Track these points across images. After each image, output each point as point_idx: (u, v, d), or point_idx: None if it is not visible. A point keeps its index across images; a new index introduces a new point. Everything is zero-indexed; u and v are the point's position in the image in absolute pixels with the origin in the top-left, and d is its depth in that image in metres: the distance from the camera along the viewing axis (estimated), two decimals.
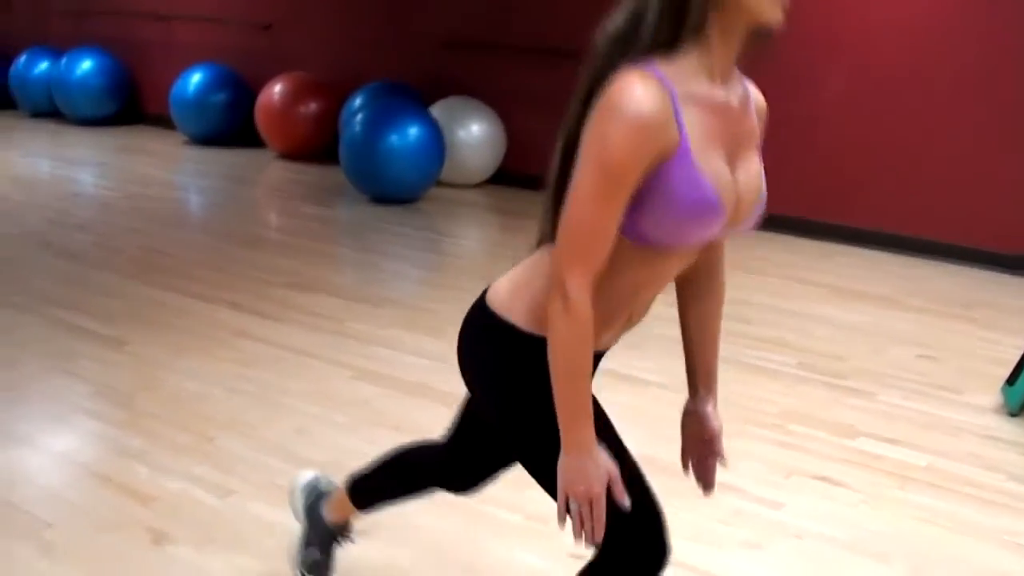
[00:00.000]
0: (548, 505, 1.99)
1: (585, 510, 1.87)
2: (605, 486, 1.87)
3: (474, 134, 7.95)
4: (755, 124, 1.98)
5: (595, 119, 1.74)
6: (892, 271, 6.36)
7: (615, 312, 1.97)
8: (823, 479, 3.59)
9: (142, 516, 3.22)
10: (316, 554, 2.75)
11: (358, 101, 8.36)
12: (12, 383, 4.18)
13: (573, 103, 1.84)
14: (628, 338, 4.88)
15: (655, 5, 1.76)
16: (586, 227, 1.77)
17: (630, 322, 2.07)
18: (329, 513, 2.73)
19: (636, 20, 1.79)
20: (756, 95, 2.02)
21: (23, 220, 6.68)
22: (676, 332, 4.89)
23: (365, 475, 2.64)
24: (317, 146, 8.97)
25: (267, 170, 8.72)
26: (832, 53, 6.79)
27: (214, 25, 9.83)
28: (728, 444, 3.76)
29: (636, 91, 1.71)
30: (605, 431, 1.99)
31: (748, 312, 5.28)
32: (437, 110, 7.97)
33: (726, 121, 1.85)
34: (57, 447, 3.66)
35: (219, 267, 5.80)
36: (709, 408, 2.27)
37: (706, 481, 2.31)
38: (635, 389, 4.30)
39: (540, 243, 1.98)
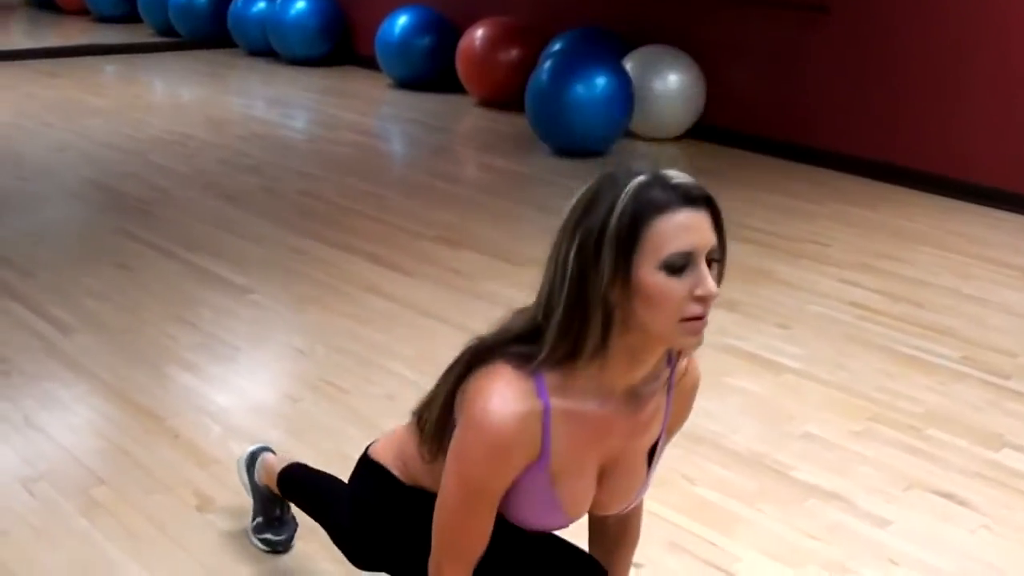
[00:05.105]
0: None
1: None
2: None
3: (671, 85, 7.56)
4: (657, 426, 1.81)
5: (460, 423, 1.69)
6: None
7: None
8: (946, 496, 3.15)
9: (196, 479, 3.12)
10: (260, 519, 2.75)
11: (556, 47, 8.10)
12: (126, 327, 4.18)
13: (448, 374, 1.79)
14: (777, 317, 4.51)
15: (554, 323, 1.62)
16: (456, 534, 1.75)
17: None
18: (262, 477, 2.71)
19: (536, 331, 1.66)
20: (687, 378, 1.84)
21: (197, 160, 6.74)
22: (833, 311, 4.50)
23: (303, 478, 2.57)
24: (516, 94, 8.72)
25: (462, 117, 8.58)
26: None
27: None
28: (851, 445, 3.41)
29: (501, 406, 1.62)
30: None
31: (923, 294, 4.78)
32: (635, 58, 7.62)
33: (612, 435, 1.73)
34: (141, 400, 3.60)
35: (374, 216, 5.69)
36: None
37: None
38: (767, 374, 3.92)
39: (418, 418, 1.91)
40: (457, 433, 1.71)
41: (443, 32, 9.20)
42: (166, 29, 11.37)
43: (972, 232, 5.79)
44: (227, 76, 9.92)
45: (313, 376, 3.80)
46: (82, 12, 12.78)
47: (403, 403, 3.57)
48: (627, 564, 2.11)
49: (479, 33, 8.69)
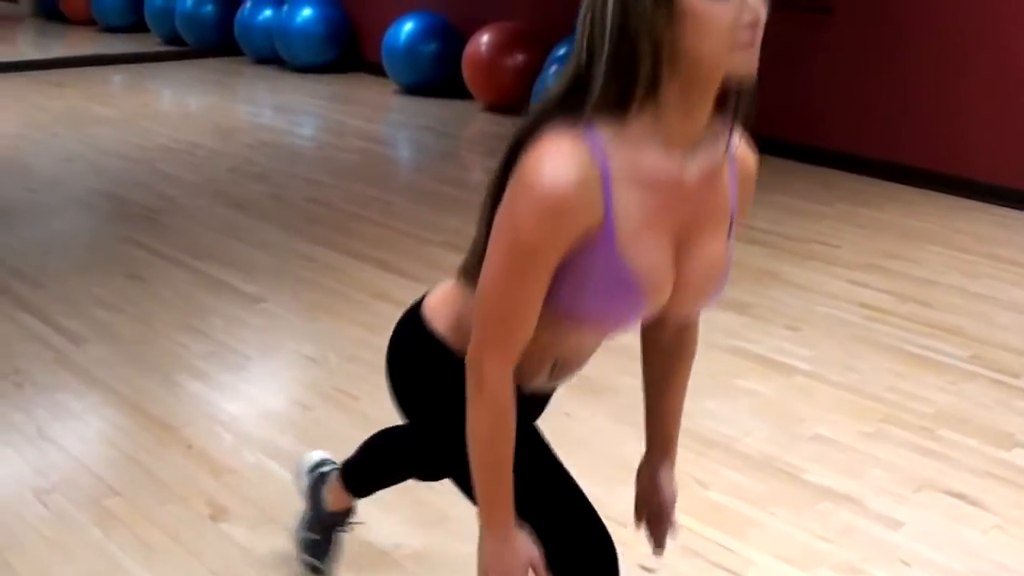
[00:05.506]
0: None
1: None
2: (527, 571, 1.72)
3: None
4: (726, 199, 1.70)
5: (510, 189, 1.55)
6: None
7: (534, 366, 1.77)
8: (958, 496, 3.15)
9: (209, 488, 3.13)
10: (315, 536, 2.67)
11: (561, 51, 8.11)
12: (137, 337, 4.19)
13: (485, 202, 1.65)
14: (786, 319, 4.51)
15: (600, 62, 1.51)
16: (500, 310, 1.60)
17: (562, 369, 1.86)
18: (328, 499, 2.63)
19: (580, 80, 1.54)
20: (743, 159, 1.75)
21: (205, 168, 6.77)
22: (842, 312, 4.50)
23: (354, 461, 2.53)
24: (522, 98, 8.75)
25: (469, 123, 8.59)
26: None
27: None
28: (862, 447, 3.41)
29: (554, 166, 1.50)
30: (541, 465, 1.83)
31: (931, 294, 4.78)
32: None
33: (678, 199, 1.61)
34: (153, 409, 3.61)
35: (382, 223, 5.70)
36: (662, 474, 2.02)
37: (655, 541, 2.06)
38: (776, 376, 3.92)
39: (465, 274, 1.76)
40: (505, 198, 1.56)
41: (449, 38, 9.21)
42: (173, 38, 11.39)
43: (980, 231, 5.79)
44: (234, 84, 9.95)
45: (325, 384, 3.81)
46: (89, 22, 12.80)
47: None
48: (685, 379, 1.99)
49: (485, 39, 8.70)
